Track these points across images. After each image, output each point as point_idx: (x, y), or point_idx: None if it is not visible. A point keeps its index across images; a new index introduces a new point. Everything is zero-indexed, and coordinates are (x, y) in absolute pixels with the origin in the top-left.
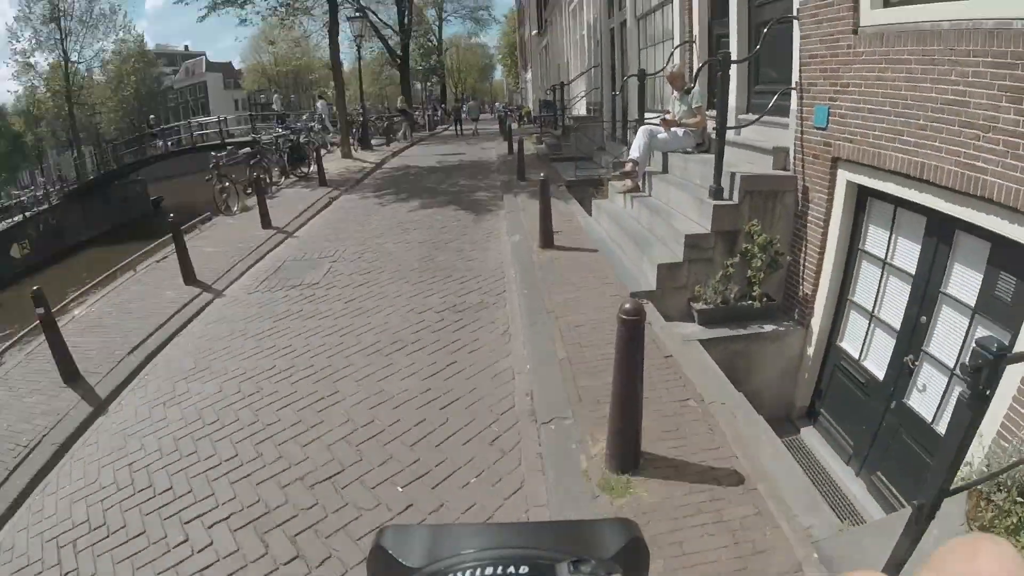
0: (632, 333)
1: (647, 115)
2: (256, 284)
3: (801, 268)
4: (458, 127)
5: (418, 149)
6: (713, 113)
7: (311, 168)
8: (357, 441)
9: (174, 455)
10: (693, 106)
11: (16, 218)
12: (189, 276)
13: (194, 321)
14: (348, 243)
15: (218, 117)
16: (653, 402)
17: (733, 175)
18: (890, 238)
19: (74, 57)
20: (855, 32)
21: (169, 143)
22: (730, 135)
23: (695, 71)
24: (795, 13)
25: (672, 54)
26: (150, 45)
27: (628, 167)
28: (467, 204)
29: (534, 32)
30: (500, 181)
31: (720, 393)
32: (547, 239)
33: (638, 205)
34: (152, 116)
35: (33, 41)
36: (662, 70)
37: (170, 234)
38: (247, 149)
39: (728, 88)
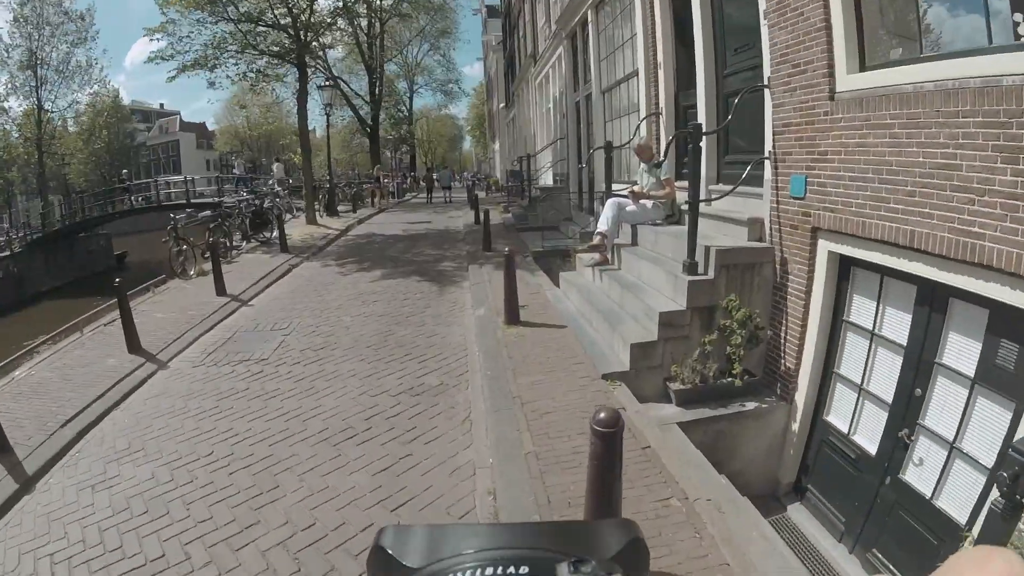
0: (608, 447)
1: (615, 186)
2: (203, 356)
3: (783, 342)
4: (429, 195)
5: (385, 216)
6: (684, 184)
7: (273, 233)
8: (296, 548)
9: (97, 549)
10: (662, 177)
11: None
12: (134, 344)
13: (134, 394)
14: (304, 314)
15: (184, 177)
16: (632, 503)
17: (708, 249)
18: (878, 308)
19: (48, 106)
20: (831, 98)
21: (139, 199)
22: (702, 207)
23: (664, 144)
24: (766, 82)
25: (639, 126)
26: (126, 100)
27: (596, 240)
28: (432, 275)
29: (502, 105)
30: (466, 251)
31: (704, 486)
32: (513, 315)
33: (608, 279)
34: (125, 171)
35: (8, 86)
36: (629, 142)
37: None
38: (207, 212)
39: (699, 160)
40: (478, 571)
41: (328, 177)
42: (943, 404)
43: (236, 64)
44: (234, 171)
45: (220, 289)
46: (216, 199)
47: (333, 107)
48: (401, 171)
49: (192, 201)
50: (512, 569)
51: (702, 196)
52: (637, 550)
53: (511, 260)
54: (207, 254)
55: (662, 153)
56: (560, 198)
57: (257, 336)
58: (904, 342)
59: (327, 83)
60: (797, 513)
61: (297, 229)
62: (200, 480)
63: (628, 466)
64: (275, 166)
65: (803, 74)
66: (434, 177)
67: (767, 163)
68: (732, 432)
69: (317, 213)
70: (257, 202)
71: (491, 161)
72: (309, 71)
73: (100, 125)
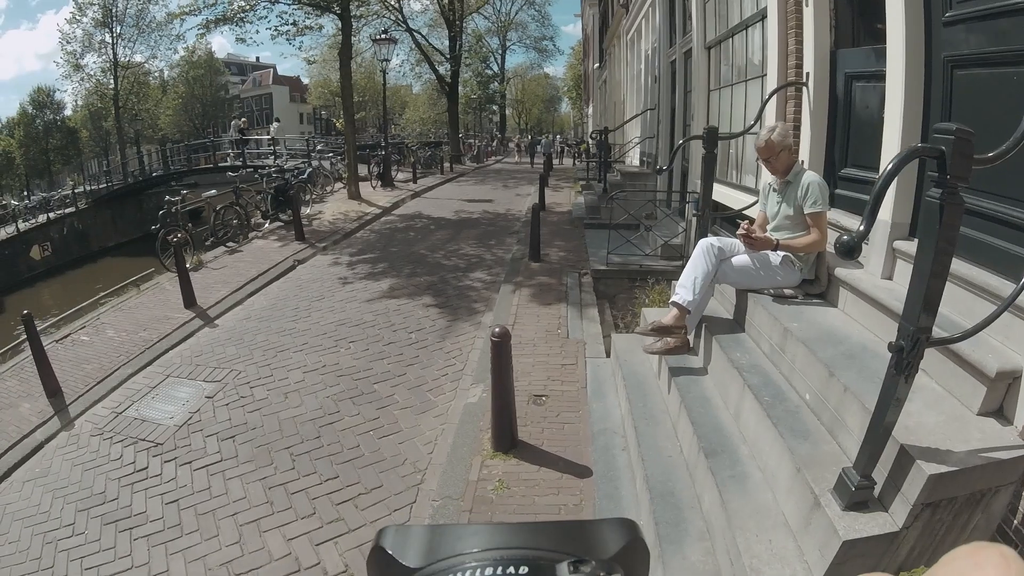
0: None
1: (722, 191)
2: (105, 421)
3: None
4: (532, 160)
5: (448, 189)
6: (844, 222)
7: (310, 207)
8: None
9: None
10: (806, 208)
11: (40, 219)
12: (50, 385)
13: (15, 473)
14: (255, 355)
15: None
16: None
17: (905, 457)
18: None
19: (126, 60)
20: None
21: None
22: (865, 282)
23: (808, 140)
24: None
25: (764, 106)
26: (221, 54)
27: (669, 319)
28: (449, 295)
29: (596, 65)
30: (511, 255)
31: None
32: (504, 436)
33: (679, 390)
34: (243, 118)
35: (84, 43)
36: (749, 129)
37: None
38: (213, 191)
39: (952, 216)
40: (478, 571)
41: (383, 142)
42: None
43: (266, 18)
44: (235, 133)
45: (188, 299)
46: (236, 164)
47: (414, 64)
48: (486, 133)
49: (248, 164)
50: (512, 569)
51: (875, 270)
52: (637, 550)
53: (502, 347)
54: (210, 240)
55: (805, 160)
56: (644, 188)
57: (182, 391)
58: None
59: (382, 36)
60: None
61: (335, 205)
62: None
63: None
64: (232, 123)
65: None
66: (537, 144)
67: None
68: None
69: (370, 183)
70: (286, 176)
71: (585, 125)
72: (363, 21)
73: (190, 79)
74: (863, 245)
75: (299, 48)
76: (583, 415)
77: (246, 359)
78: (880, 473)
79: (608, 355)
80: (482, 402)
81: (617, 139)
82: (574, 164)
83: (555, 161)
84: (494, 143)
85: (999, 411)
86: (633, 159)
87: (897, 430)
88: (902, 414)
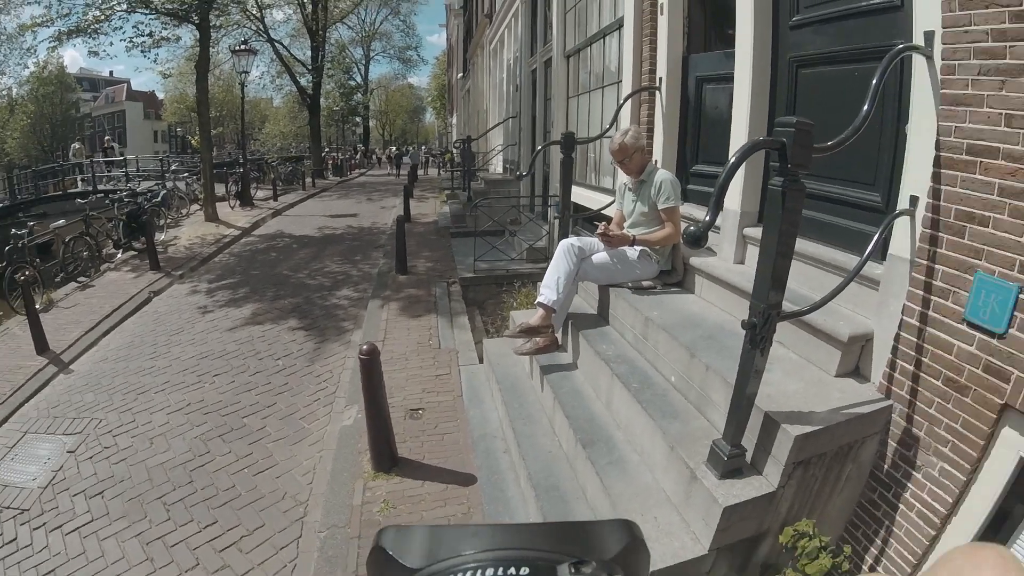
0: None
1: (581, 193)
2: None
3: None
4: (397, 171)
5: (310, 204)
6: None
7: (165, 233)
8: None
9: None
10: (660, 204)
11: None
12: None
13: None
14: (115, 400)
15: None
16: None
17: (770, 423)
18: None
19: None
20: None
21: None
22: (718, 267)
23: (661, 141)
24: (920, 41)
25: (619, 110)
26: (73, 69)
27: (536, 320)
28: (316, 315)
29: (460, 75)
30: (377, 269)
31: None
32: (384, 455)
33: (551, 387)
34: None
35: None
36: (605, 132)
37: None
38: (61, 221)
39: (788, 204)
40: (478, 572)
41: (242, 158)
42: None
43: (121, 28)
44: (71, 157)
45: (40, 343)
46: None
47: (275, 76)
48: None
49: (98, 190)
50: (513, 570)
51: (727, 256)
52: (637, 551)
53: (372, 364)
54: (60, 275)
55: (659, 159)
56: (508, 194)
57: (42, 447)
58: None
59: (242, 46)
60: None
61: (192, 228)
62: None
63: None
64: (73, 147)
65: None
66: (403, 156)
67: (906, 223)
68: None
69: (228, 203)
70: (137, 200)
71: (449, 135)
72: (223, 32)
73: (40, 97)
74: (711, 234)
75: (155, 61)
76: (462, 423)
77: (106, 405)
78: (750, 441)
79: (481, 361)
80: (358, 423)
81: (481, 147)
82: (439, 174)
83: (420, 171)
84: (357, 156)
85: (856, 371)
86: (497, 167)
87: (760, 399)
88: (765, 384)
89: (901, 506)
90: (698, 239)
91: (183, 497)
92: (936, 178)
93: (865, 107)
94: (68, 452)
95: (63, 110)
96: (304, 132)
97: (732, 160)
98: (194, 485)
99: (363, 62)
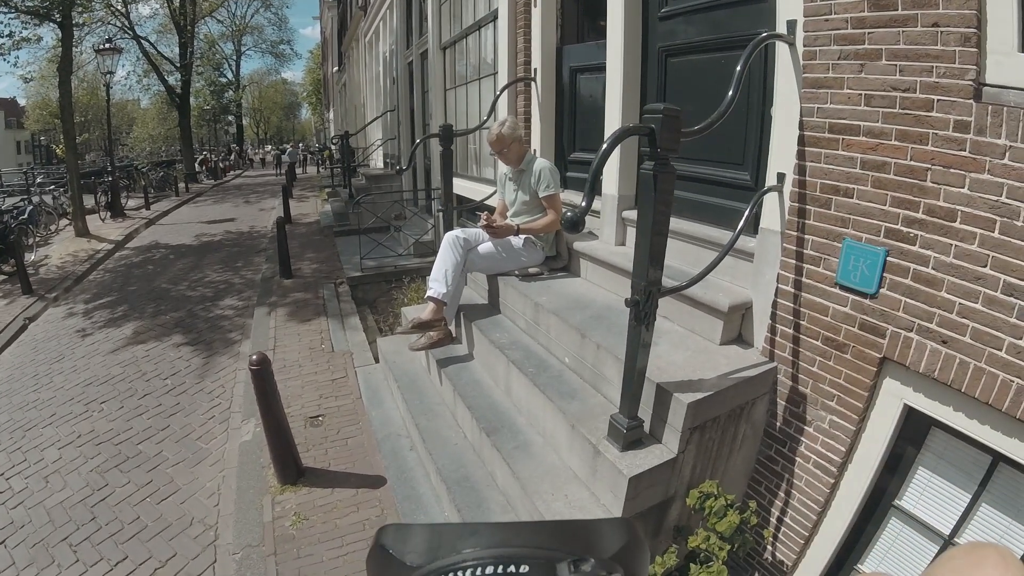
0: None
1: (463, 185)
2: None
3: (773, 523)
4: (278, 170)
5: (185, 211)
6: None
7: (35, 252)
8: None
9: None
10: (540, 193)
11: None
12: None
13: None
14: (2, 439)
15: None
16: None
17: (663, 393)
18: (975, 502)
19: None
20: (976, 97)
21: None
22: (601, 250)
23: (538, 131)
24: (783, 29)
25: (496, 101)
26: None
27: (427, 315)
28: (200, 329)
29: (335, 69)
30: (261, 274)
31: None
32: (288, 467)
33: (450, 378)
34: None
35: None
36: (483, 124)
37: None
38: None
39: (660, 186)
40: (478, 569)
41: (110, 166)
42: None
43: None
44: None
45: None
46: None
47: (141, 75)
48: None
49: None
50: (512, 568)
51: (608, 239)
52: (637, 549)
53: (264, 374)
54: None
55: (537, 149)
56: (390, 189)
57: None
58: None
59: (106, 45)
60: None
61: (63, 245)
62: None
63: None
64: None
65: (903, 30)
66: (283, 155)
67: (775, 198)
68: None
69: (99, 215)
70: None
71: (327, 131)
72: (86, 30)
73: None
74: (594, 218)
75: (15, 64)
76: (364, 426)
77: None
78: (646, 412)
79: (377, 361)
80: (257, 437)
81: (360, 142)
82: (318, 171)
83: (299, 170)
84: (232, 156)
85: (739, 338)
86: (377, 162)
87: (652, 372)
88: (654, 357)
89: (798, 459)
90: (575, 224)
91: (88, 535)
92: (801, 155)
93: (730, 92)
94: None
95: None
96: (175, 134)
97: (603, 147)
98: (98, 522)
99: (234, 57)
